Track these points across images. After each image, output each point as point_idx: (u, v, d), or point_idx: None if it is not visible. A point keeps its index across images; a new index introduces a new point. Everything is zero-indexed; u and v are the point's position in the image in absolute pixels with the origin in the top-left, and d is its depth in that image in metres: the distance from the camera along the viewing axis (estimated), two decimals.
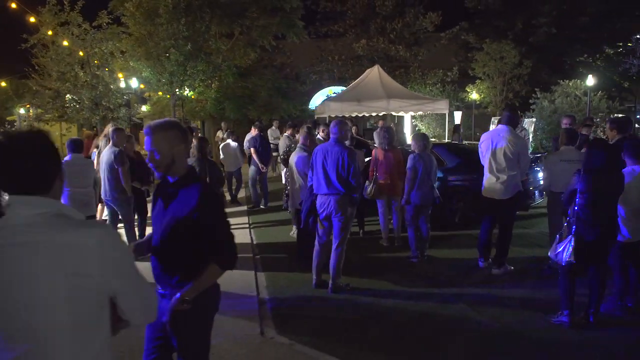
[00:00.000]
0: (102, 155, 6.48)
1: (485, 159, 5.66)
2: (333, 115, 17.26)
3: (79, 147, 6.26)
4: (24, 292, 1.36)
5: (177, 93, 15.13)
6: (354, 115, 17.05)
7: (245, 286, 5.49)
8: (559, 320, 4.33)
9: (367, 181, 6.90)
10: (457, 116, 16.60)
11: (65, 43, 12.14)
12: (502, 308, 4.81)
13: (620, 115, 12.80)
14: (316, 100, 25.79)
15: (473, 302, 4.95)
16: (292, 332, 4.28)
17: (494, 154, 5.53)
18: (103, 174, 6.40)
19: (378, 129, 7.36)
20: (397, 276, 5.77)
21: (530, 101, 14.90)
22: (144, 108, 18.93)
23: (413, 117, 19.99)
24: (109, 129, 8.58)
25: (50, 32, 12.06)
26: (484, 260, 5.93)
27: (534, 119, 12.55)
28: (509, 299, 5.02)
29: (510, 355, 3.96)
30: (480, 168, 5.83)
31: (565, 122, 6.75)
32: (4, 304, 1.37)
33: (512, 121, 5.61)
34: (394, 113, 16.83)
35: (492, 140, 5.57)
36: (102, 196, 6.54)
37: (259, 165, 9.73)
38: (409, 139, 10.31)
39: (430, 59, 23.44)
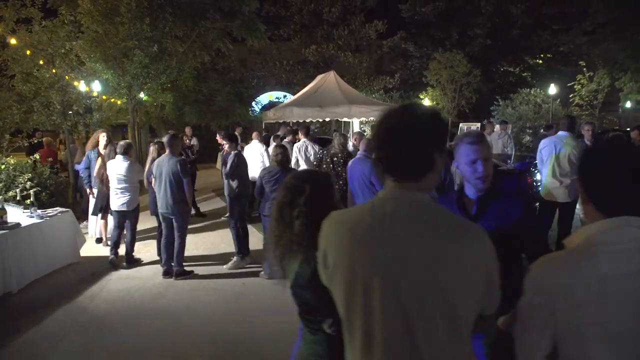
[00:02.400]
0: (160, 164, 5.93)
1: (546, 164, 5.96)
2: (301, 121, 17.18)
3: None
4: None
5: (136, 97, 14.17)
6: (320, 120, 17.05)
7: None
8: None
9: None
10: None
11: (14, 41, 10.82)
12: None
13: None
14: (257, 105, 25.42)
15: None
16: None
17: (557, 158, 5.85)
18: (161, 185, 5.86)
19: None
20: None
21: (492, 108, 15.90)
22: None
23: (361, 122, 20.44)
24: (99, 136, 7.93)
25: None
26: None
27: (510, 125, 13.43)
28: None
29: None
30: None
31: (587, 129, 7.27)
32: None
33: (572, 128, 5.97)
34: (355, 119, 17.12)
35: (555, 146, 5.88)
36: (160, 209, 6.00)
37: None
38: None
39: (371, 65, 24.16)
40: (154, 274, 6.30)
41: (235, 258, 6.53)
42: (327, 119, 17.77)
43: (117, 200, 6.57)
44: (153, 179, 6.17)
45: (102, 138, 7.53)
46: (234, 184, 6.40)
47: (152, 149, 6.54)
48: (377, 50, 23.93)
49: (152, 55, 13.01)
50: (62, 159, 12.67)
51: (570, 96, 22.47)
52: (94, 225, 7.95)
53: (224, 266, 6.52)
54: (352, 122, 19.30)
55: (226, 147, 6.66)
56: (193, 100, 16.58)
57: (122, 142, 6.84)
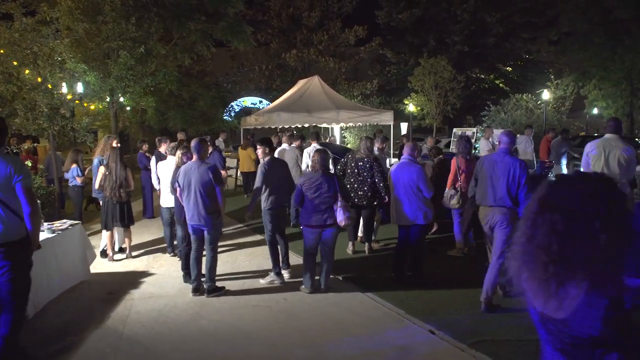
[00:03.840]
0: (187, 172, 5.39)
1: (595, 167, 5.82)
2: (286, 127, 16.76)
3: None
4: None
5: (118, 101, 13.39)
6: (306, 125, 16.67)
7: (383, 315, 4.95)
8: None
9: (448, 190, 6.76)
10: (404, 127, 17.12)
11: None
12: None
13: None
14: (237, 108, 24.78)
15: None
16: None
17: (607, 161, 5.72)
18: (191, 195, 5.33)
19: (458, 138, 7.15)
20: None
21: (483, 113, 15.98)
22: None
23: (341, 128, 20.26)
24: (112, 142, 7.38)
25: None
26: None
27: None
28: None
29: None
30: None
31: None
32: None
33: (619, 130, 5.87)
34: (343, 124, 16.85)
35: (605, 149, 5.75)
36: (190, 220, 5.45)
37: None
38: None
39: (350, 71, 24.06)
40: (180, 291, 5.75)
41: (271, 274, 6.05)
42: (315, 125, 17.43)
43: (168, 199, 6.82)
44: (178, 188, 5.62)
45: (115, 144, 6.95)
46: (264, 195, 5.92)
47: (178, 154, 5.98)
48: (354, 56, 23.84)
49: (137, 57, 12.32)
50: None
51: (539, 102, 23.11)
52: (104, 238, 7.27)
53: (261, 280, 6.04)
54: (332, 127, 19.04)
55: (259, 152, 6.17)
56: (174, 104, 15.86)
57: (172, 144, 7.02)
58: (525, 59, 24.95)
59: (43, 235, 5.40)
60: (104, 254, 7.18)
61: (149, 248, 7.82)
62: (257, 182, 5.92)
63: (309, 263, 5.62)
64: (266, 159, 6.04)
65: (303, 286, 5.62)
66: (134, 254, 7.34)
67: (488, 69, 24.04)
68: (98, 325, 4.77)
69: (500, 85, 24.90)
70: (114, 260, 7.10)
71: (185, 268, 5.99)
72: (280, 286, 5.85)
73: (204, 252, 5.58)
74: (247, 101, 25.35)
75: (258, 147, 6.16)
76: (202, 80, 20.94)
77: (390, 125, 16.87)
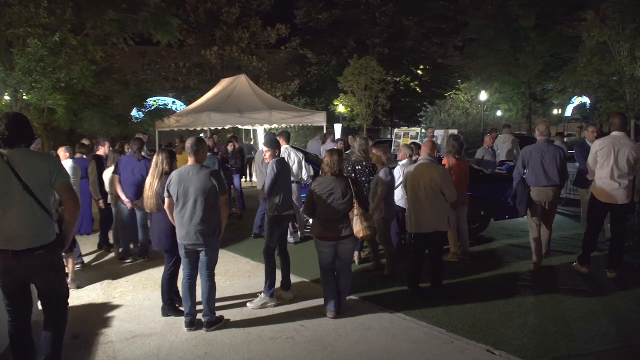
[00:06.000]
0: (183, 178, 4.34)
1: (604, 165, 5.72)
2: (215, 128, 15.62)
3: None
4: None
5: (22, 99, 11.42)
6: (238, 126, 15.61)
7: (425, 336, 4.35)
8: None
9: None
10: (337, 128, 16.72)
11: None
12: None
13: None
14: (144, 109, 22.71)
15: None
16: None
17: (616, 159, 5.65)
18: (187, 206, 4.30)
19: (448, 137, 6.76)
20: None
21: (420, 113, 16.04)
22: None
23: (265, 130, 19.60)
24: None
25: None
26: (588, 266, 6.01)
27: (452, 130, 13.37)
28: None
29: None
30: None
31: (591, 130, 7.37)
32: None
33: (625, 127, 5.84)
34: (276, 125, 16.07)
35: (613, 147, 5.67)
36: (182, 239, 4.40)
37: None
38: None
39: (271, 71, 23.24)
40: (167, 326, 4.68)
41: (262, 295, 5.19)
42: (249, 126, 16.47)
43: None
44: (167, 199, 4.54)
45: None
46: (277, 199, 5.09)
47: (161, 158, 4.83)
48: (275, 55, 23.08)
49: (50, 46, 10.54)
50: None
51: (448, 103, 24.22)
52: None
53: (249, 304, 5.14)
54: (256, 128, 18.19)
55: (267, 155, 5.29)
56: (87, 103, 13.86)
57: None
58: (438, 63, 25.99)
59: None
60: None
61: (96, 272, 6.49)
62: (268, 186, 5.11)
63: (328, 281, 4.85)
64: (274, 160, 5.20)
65: (326, 309, 4.82)
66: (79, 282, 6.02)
67: (404, 71, 24.66)
68: None
69: (415, 88, 25.67)
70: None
71: (168, 299, 4.92)
72: (289, 312, 5.00)
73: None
74: (157, 101, 23.44)
75: (266, 149, 5.29)
76: (111, 77, 18.82)
77: (323, 126, 16.41)
